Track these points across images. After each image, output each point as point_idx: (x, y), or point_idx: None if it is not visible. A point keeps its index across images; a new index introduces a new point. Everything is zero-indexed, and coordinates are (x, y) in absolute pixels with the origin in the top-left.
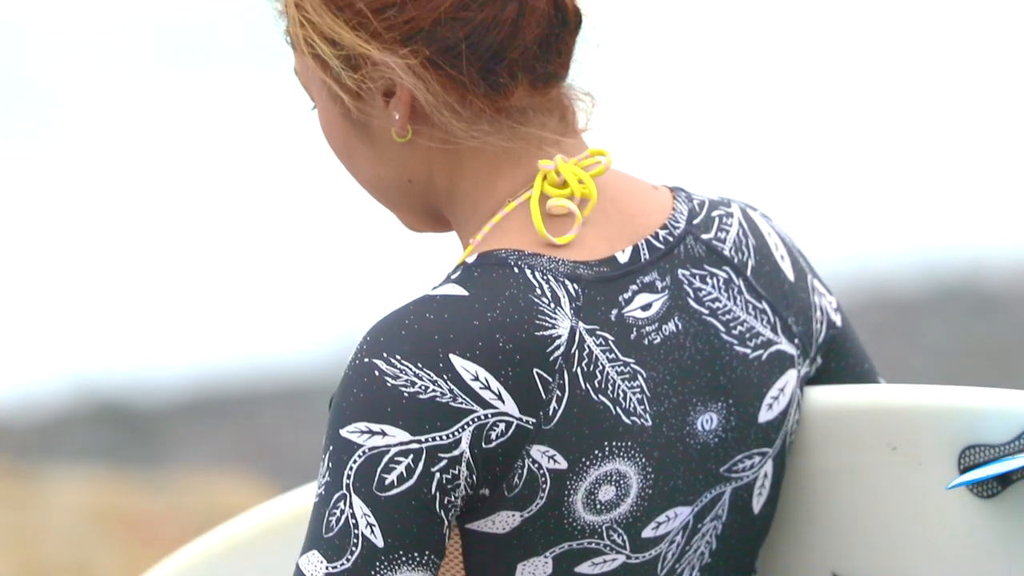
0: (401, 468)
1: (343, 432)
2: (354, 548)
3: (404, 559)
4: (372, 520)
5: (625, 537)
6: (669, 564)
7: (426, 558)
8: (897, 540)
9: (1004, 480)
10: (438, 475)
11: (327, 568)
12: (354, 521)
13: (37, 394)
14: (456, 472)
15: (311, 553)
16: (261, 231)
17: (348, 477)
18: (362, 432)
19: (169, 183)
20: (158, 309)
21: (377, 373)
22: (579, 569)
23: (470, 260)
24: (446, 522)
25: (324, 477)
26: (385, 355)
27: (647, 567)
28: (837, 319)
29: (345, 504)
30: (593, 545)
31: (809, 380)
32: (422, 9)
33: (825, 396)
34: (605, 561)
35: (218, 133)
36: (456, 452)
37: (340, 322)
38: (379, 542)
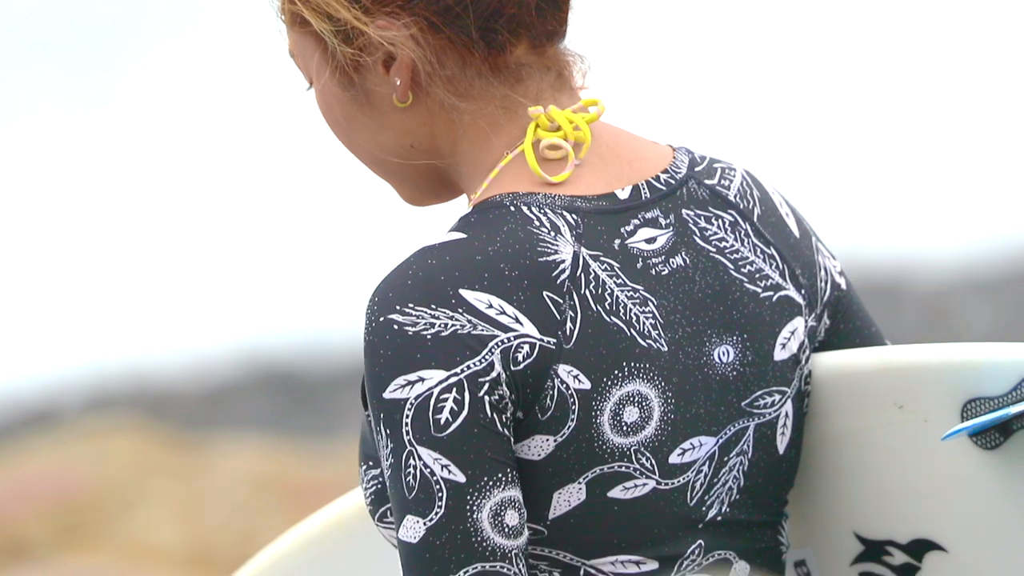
0: (450, 403)
1: (386, 395)
2: (440, 494)
3: (491, 484)
4: (445, 461)
5: (653, 461)
6: (698, 494)
7: (511, 475)
8: (909, 497)
9: (1005, 430)
10: (487, 398)
11: (425, 524)
12: (429, 470)
13: (205, 363)
14: (502, 393)
15: (405, 520)
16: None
17: (407, 434)
18: (402, 387)
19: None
20: (326, 278)
21: (396, 327)
22: (612, 494)
23: (466, 211)
24: (512, 440)
25: (386, 447)
26: (398, 307)
27: (677, 494)
28: (842, 282)
29: (415, 459)
30: (623, 468)
31: (820, 343)
32: None
33: (832, 360)
34: (636, 486)
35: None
36: (494, 374)
37: None
38: (461, 478)
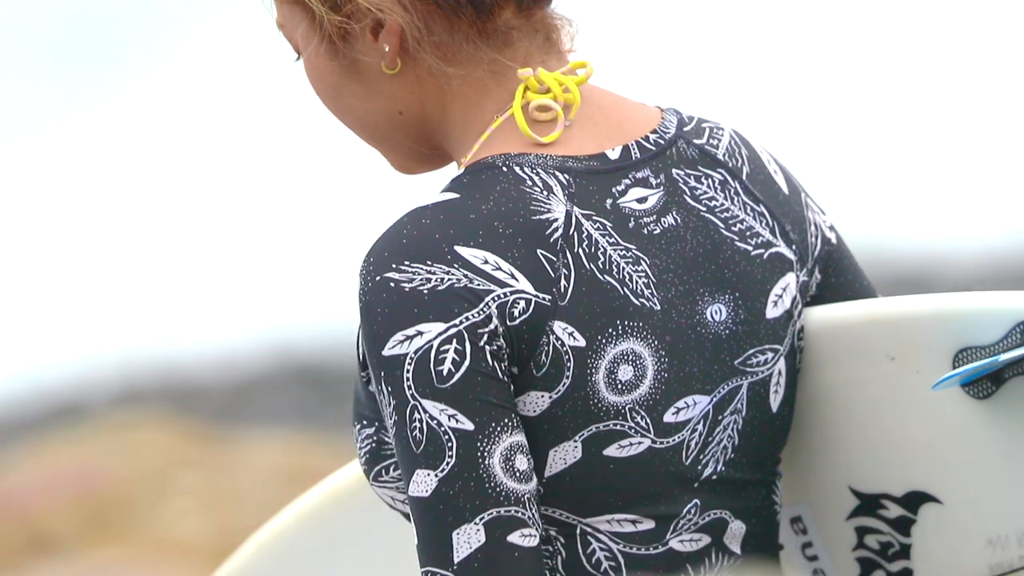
0: (451, 354)
1: (385, 352)
2: (450, 444)
3: (499, 429)
4: (451, 411)
5: (648, 420)
6: (693, 453)
7: (516, 421)
8: (904, 449)
9: (996, 379)
10: (487, 348)
11: (436, 476)
12: (436, 422)
13: (233, 356)
14: (500, 344)
15: (415, 475)
16: None
17: (409, 388)
18: (400, 342)
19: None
20: (355, 272)
21: (393, 285)
22: (607, 452)
23: (458, 173)
24: (512, 388)
25: (389, 405)
26: (394, 265)
27: (672, 453)
28: (832, 236)
29: (419, 412)
30: (618, 427)
31: (813, 298)
32: None
33: (823, 313)
34: (632, 444)
35: None
36: (492, 326)
37: None
38: (469, 426)
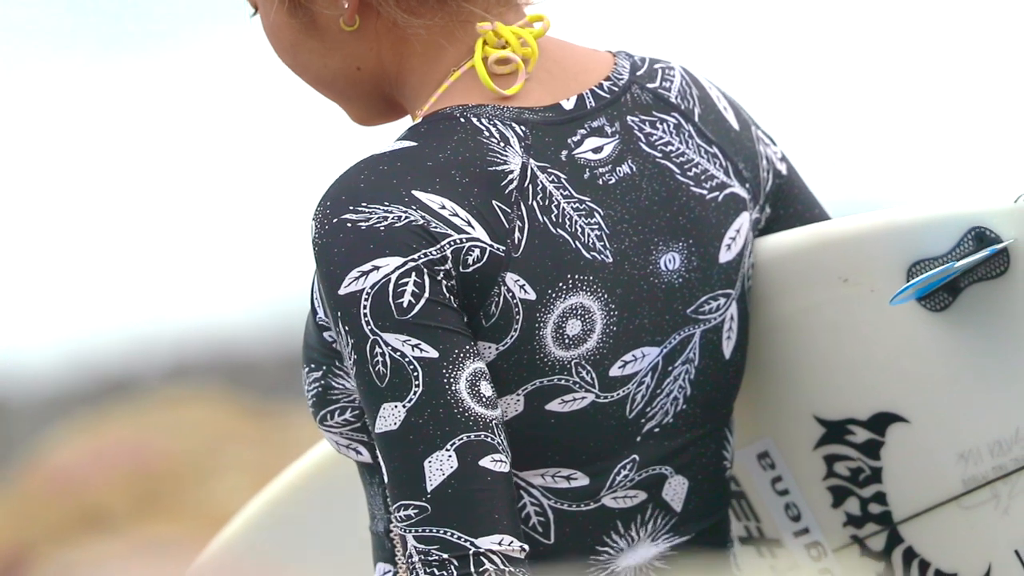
0: (410, 286)
1: (341, 291)
2: (415, 373)
3: (462, 356)
4: (414, 340)
5: (593, 375)
6: (639, 406)
7: (476, 348)
8: (865, 371)
9: (952, 289)
10: (444, 282)
11: (404, 406)
12: (399, 352)
13: (286, 332)
14: (455, 283)
15: (381, 409)
16: None
17: (367, 324)
18: (355, 279)
19: None
20: None
21: (350, 224)
22: (549, 407)
23: (415, 123)
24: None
25: (348, 346)
26: (351, 207)
27: (615, 407)
28: (783, 168)
29: (381, 346)
30: (563, 382)
31: (761, 230)
32: None
33: (771, 242)
34: (575, 399)
35: None
36: (448, 266)
37: None
38: (433, 354)
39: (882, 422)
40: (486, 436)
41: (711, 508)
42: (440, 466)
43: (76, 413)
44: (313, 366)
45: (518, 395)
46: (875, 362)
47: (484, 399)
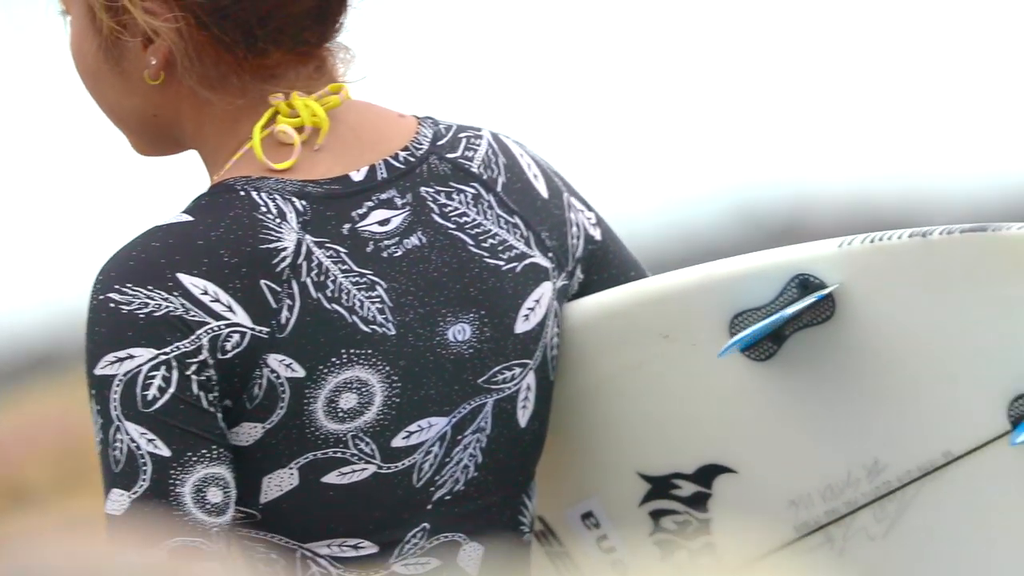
0: (158, 380)
1: (97, 371)
2: (145, 468)
3: (195, 459)
4: (151, 436)
5: (373, 446)
6: (427, 475)
7: (216, 452)
8: (689, 425)
9: (777, 338)
10: (194, 377)
11: (129, 497)
12: (135, 444)
13: None
14: (210, 375)
15: (111, 493)
16: None
17: (115, 409)
18: (111, 363)
19: None
20: None
21: (112, 305)
22: (327, 479)
23: (203, 192)
24: (222, 418)
25: (97, 422)
26: (116, 287)
27: (401, 477)
28: (596, 233)
29: (121, 433)
30: (339, 454)
31: (574, 297)
32: None
33: (589, 303)
34: (354, 471)
35: None
36: (201, 357)
37: None
38: (165, 452)
39: (709, 474)
40: (202, 543)
41: (507, 573)
42: None
43: (0, 389)
44: None
45: (291, 469)
46: (699, 416)
47: (208, 506)
